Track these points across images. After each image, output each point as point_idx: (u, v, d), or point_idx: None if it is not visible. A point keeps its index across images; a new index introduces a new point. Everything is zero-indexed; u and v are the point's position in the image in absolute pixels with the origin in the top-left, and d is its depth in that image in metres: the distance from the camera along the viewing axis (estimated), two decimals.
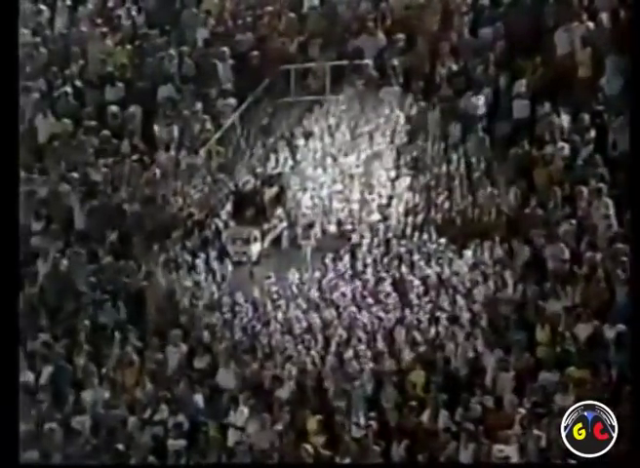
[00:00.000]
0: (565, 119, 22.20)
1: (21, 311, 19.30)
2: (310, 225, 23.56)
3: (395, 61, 29.13)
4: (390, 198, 24.69)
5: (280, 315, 19.58)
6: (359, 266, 21.09)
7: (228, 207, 24.32)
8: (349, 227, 23.26)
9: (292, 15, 30.66)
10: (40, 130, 28.65)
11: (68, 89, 30.78)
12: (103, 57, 29.78)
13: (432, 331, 18.19)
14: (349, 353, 17.97)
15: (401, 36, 28.95)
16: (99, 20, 31.57)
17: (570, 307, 17.79)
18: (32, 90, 29.85)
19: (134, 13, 31.43)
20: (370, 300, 19.68)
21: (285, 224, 23.83)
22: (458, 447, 15.11)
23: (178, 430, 15.82)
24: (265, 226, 23.44)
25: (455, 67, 27.38)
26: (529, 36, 24.35)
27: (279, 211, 24.24)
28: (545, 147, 22.19)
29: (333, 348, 18.30)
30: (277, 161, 28.11)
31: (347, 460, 15.07)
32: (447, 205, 23.53)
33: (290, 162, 28.14)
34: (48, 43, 31.86)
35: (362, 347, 17.96)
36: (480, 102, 26.19)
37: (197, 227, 23.69)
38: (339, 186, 25.79)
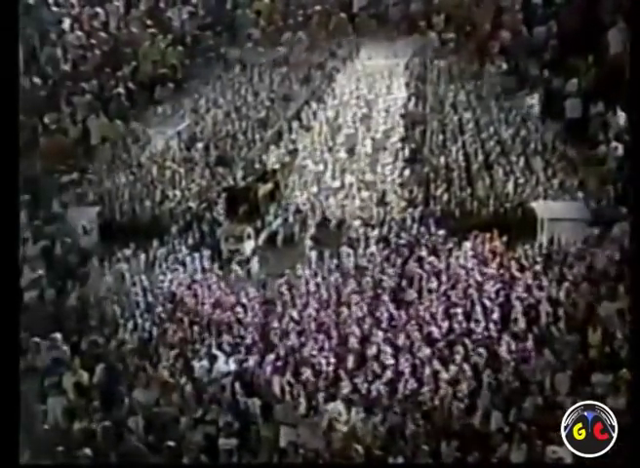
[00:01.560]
0: (618, 118, 22.34)
1: (73, 311, 19.41)
2: (308, 222, 23.38)
3: (445, 60, 29.65)
4: (388, 191, 24.72)
5: (293, 313, 18.50)
6: (360, 261, 20.73)
7: (222, 204, 24.11)
8: (348, 222, 23.07)
9: (342, 15, 30.88)
10: (92, 131, 29.51)
11: (121, 90, 31.29)
12: (155, 58, 30.13)
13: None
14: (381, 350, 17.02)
15: (452, 35, 29.09)
16: (149, 22, 31.81)
17: (622, 309, 17.41)
18: (85, 91, 31.13)
19: (185, 14, 31.80)
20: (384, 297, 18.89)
21: (280, 221, 23.69)
22: (510, 448, 14.62)
23: (229, 429, 15.25)
24: (259, 223, 23.41)
25: (505, 66, 27.44)
26: (582, 35, 24.66)
27: (274, 207, 24.18)
28: (599, 147, 22.35)
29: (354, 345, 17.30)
30: (274, 155, 28.17)
31: (400, 460, 14.51)
32: (446, 197, 23.87)
33: (287, 158, 28.22)
34: (101, 44, 32.48)
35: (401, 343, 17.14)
36: (532, 102, 26.55)
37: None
38: (336, 182, 25.72)
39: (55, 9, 34.23)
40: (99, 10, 33.06)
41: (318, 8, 30.85)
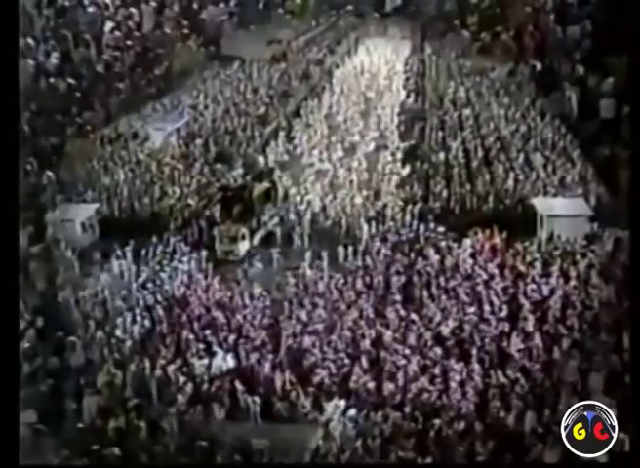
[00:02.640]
0: None
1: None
2: (305, 221, 22.81)
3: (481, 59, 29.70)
4: (388, 188, 24.56)
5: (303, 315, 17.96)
6: (361, 261, 20.32)
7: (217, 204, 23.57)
8: (348, 220, 22.80)
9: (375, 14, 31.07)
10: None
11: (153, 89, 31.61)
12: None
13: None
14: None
15: (485, 35, 29.12)
16: (184, 22, 32.13)
17: None
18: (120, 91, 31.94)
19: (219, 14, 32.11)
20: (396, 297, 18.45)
21: (276, 221, 23.28)
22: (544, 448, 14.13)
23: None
24: (254, 224, 22.89)
25: (539, 66, 27.22)
26: (616, 34, 23.80)
27: (270, 207, 23.68)
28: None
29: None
30: (273, 152, 28.03)
31: (429, 460, 14.09)
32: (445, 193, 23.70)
33: (285, 156, 28.08)
34: (135, 45, 32.70)
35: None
36: (566, 101, 26.30)
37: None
38: (336, 180, 25.51)
39: (90, 10, 34.54)
40: (133, 10, 33.45)
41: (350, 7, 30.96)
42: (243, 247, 21.91)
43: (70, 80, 31.88)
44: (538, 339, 16.62)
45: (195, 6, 33.09)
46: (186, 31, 32.10)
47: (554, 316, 17.48)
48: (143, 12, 34.04)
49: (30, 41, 32.62)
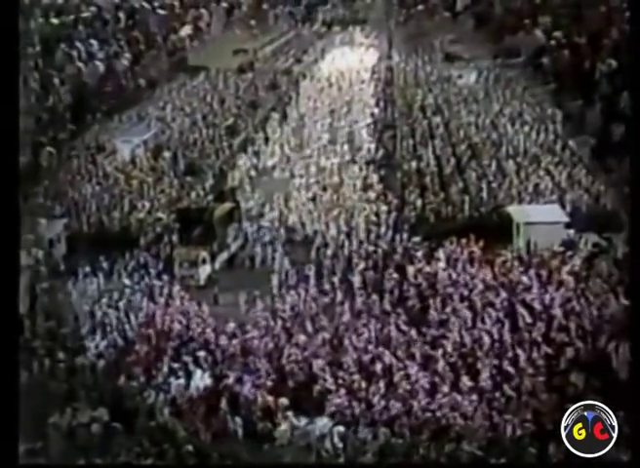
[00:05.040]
0: None
1: None
2: (271, 241, 22.09)
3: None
4: (360, 199, 24.24)
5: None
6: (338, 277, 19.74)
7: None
8: (320, 235, 22.20)
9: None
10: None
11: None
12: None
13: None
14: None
15: (558, 34, 28.96)
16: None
17: None
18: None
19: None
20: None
21: (240, 242, 22.32)
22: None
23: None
24: (215, 246, 21.67)
25: (614, 64, 27.02)
26: None
27: (235, 228, 22.52)
28: None
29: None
30: (241, 167, 27.60)
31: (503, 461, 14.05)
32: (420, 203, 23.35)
33: (252, 171, 27.62)
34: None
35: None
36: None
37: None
38: (306, 194, 25.03)
39: (160, 12, 34.50)
40: (203, 11, 33.70)
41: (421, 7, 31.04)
42: (204, 272, 20.85)
43: (141, 81, 31.74)
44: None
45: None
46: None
47: (537, 321, 17.17)
48: (215, 12, 34.70)
49: (97, 43, 32.48)
